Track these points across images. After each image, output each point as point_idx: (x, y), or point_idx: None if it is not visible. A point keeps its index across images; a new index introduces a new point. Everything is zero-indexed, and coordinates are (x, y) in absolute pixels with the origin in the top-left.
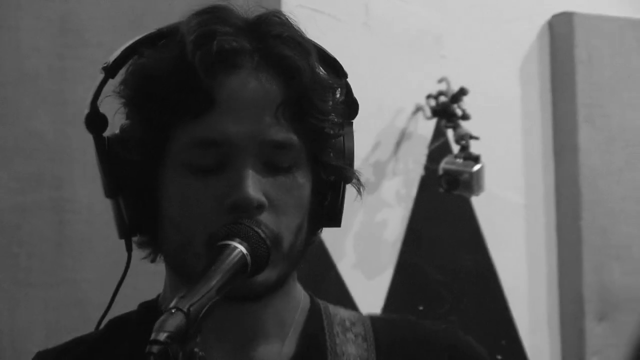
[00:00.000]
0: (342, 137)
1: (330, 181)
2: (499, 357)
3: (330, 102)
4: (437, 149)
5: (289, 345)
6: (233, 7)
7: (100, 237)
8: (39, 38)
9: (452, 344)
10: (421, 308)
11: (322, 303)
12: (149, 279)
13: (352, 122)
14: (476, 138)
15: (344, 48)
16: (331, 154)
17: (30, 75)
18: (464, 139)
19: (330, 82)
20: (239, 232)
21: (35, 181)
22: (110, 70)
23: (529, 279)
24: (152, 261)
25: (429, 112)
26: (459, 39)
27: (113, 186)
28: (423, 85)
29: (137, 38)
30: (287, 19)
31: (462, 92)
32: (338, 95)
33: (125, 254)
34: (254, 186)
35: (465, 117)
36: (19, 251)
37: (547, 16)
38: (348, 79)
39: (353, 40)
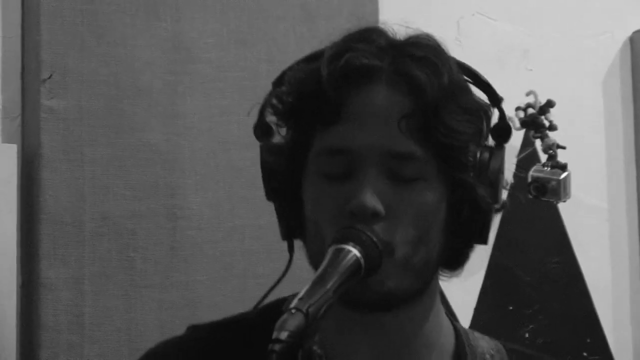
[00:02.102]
0: (488, 156)
1: (469, 198)
2: (585, 354)
3: (472, 123)
4: (526, 158)
5: None
6: (384, 29)
7: (210, 241)
8: (152, 55)
9: None
10: (511, 308)
11: (462, 330)
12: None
13: (503, 146)
14: (563, 147)
15: None
16: (469, 172)
17: (144, 89)
18: (551, 148)
19: (477, 103)
20: (353, 236)
21: (149, 189)
22: (276, 84)
23: (612, 280)
24: None
25: (517, 123)
26: (545, 53)
27: (268, 191)
28: (512, 98)
29: (302, 57)
30: (434, 41)
31: (549, 104)
32: (490, 118)
33: (236, 258)
34: (371, 195)
35: (552, 127)
36: (134, 255)
37: (629, 32)
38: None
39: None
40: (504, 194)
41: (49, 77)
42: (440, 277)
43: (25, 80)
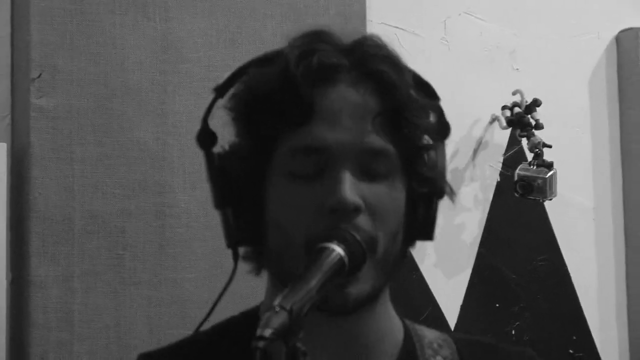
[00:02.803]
0: (435, 153)
1: (423, 193)
2: (571, 351)
3: (424, 120)
4: (512, 157)
5: None
6: (333, 31)
7: (199, 239)
8: (141, 54)
9: None
10: (497, 305)
11: (409, 324)
12: (248, 286)
13: (444, 142)
14: (549, 146)
15: (423, 62)
16: (424, 167)
17: (134, 89)
18: (537, 147)
19: (425, 102)
20: (337, 235)
21: (138, 188)
22: (220, 91)
23: (598, 278)
24: (257, 274)
25: (504, 122)
26: (532, 53)
27: (221, 199)
28: (498, 97)
29: (245, 62)
30: (383, 42)
31: (535, 103)
32: (431, 116)
33: (225, 256)
34: (350, 190)
35: (538, 126)
36: (123, 253)
37: (615, 32)
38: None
39: (432, 55)
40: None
41: (39, 76)
42: None
43: (14, 79)
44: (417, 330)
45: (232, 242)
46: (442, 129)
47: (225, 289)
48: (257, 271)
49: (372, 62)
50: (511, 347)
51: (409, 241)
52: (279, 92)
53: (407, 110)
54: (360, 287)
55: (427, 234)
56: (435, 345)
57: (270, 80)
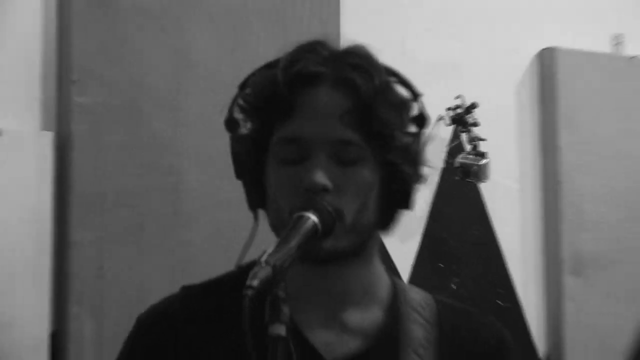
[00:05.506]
0: (410, 141)
1: (394, 174)
2: (499, 301)
3: (398, 114)
4: (454, 148)
5: (374, 314)
6: (326, 41)
7: (205, 210)
8: (158, 60)
9: (500, 337)
10: (441, 265)
11: (399, 284)
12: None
13: (423, 131)
14: (483, 139)
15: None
16: (396, 153)
17: (151, 87)
18: (474, 140)
19: (401, 99)
20: (312, 205)
21: (155, 168)
22: (241, 87)
23: (521, 244)
24: None
25: (448, 121)
26: (472, 65)
27: (238, 172)
28: (444, 100)
29: (259, 66)
30: (366, 51)
31: (473, 105)
32: (412, 110)
33: (224, 224)
34: (321, 174)
35: (475, 124)
36: (145, 221)
37: (538, 49)
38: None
39: (393, 66)
40: (428, 170)
41: (79, 79)
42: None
43: (59, 81)
44: (407, 291)
45: (250, 205)
46: (420, 121)
47: (249, 243)
48: None
49: (347, 70)
50: (483, 317)
51: (388, 210)
52: (269, 93)
53: (375, 108)
54: (332, 242)
55: (404, 204)
56: (419, 308)
57: (265, 83)
